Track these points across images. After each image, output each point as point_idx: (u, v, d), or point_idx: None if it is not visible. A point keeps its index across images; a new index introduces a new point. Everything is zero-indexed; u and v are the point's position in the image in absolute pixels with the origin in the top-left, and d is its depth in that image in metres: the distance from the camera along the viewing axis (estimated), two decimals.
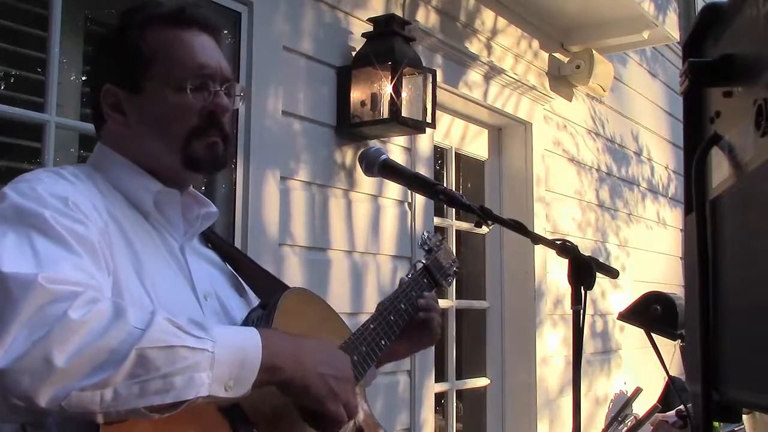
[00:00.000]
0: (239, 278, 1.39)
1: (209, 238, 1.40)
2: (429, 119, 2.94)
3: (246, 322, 1.24)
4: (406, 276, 1.64)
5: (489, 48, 3.86)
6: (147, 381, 0.91)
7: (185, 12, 1.26)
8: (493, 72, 3.74)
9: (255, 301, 1.39)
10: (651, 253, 5.57)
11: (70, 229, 1.02)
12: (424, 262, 1.67)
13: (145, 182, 1.23)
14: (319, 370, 1.11)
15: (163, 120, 1.22)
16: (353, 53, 2.93)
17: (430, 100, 2.95)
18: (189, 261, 1.25)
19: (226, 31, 2.60)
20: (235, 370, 0.99)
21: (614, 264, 4.81)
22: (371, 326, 1.43)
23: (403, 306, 1.52)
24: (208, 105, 1.23)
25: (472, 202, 1.47)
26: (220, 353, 0.97)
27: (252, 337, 1.03)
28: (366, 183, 2.96)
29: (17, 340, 0.88)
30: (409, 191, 3.12)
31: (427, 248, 1.72)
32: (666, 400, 3.39)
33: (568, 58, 4.44)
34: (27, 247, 0.97)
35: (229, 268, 1.39)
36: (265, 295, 1.37)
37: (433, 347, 3.25)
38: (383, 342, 1.43)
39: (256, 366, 1.01)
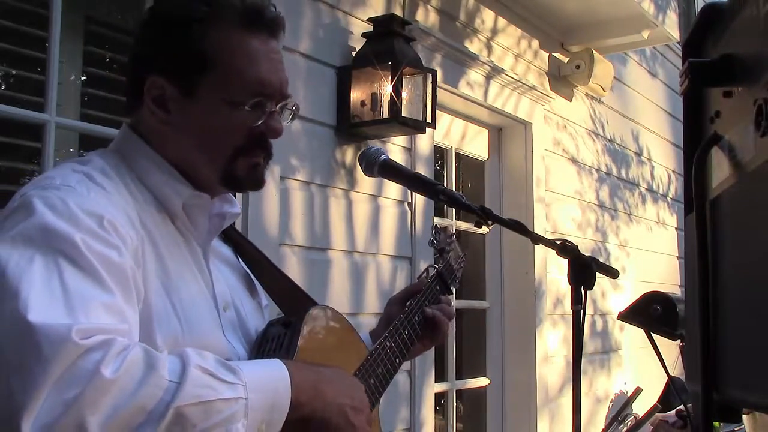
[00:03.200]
0: (251, 276, 1.36)
1: (226, 233, 1.34)
2: (429, 119, 2.94)
3: (264, 337, 1.22)
4: (420, 278, 1.60)
5: (489, 48, 3.86)
6: None
7: (259, 14, 1.17)
8: (493, 72, 3.74)
9: (264, 298, 1.36)
10: (651, 253, 5.57)
11: (102, 256, 0.96)
12: (437, 267, 1.63)
13: (177, 186, 1.16)
14: (338, 401, 1.08)
15: (210, 132, 1.15)
16: (353, 53, 2.93)
17: (430, 100, 2.95)
18: (211, 268, 1.21)
19: None
20: (267, 414, 0.97)
21: (614, 264, 4.81)
22: (387, 344, 1.40)
23: (416, 318, 1.50)
24: (260, 126, 1.16)
25: (472, 202, 1.47)
26: (254, 399, 0.95)
27: (281, 376, 1.01)
28: (366, 183, 2.96)
29: (47, 403, 0.82)
30: (409, 191, 3.11)
31: (438, 248, 1.67)
32: (666, 400, 3.38)
33: (568, 58, 4.44)
34: (56, 281, 0.90)
35: (242, 265, 1.35)
36: (276, 294, 1.36)
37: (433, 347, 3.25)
38: (398, 360, 1.41)
39: (287, 406, 0.99)
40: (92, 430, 0.83)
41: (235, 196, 1.32)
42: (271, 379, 0.99)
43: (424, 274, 1.62)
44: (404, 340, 1.44)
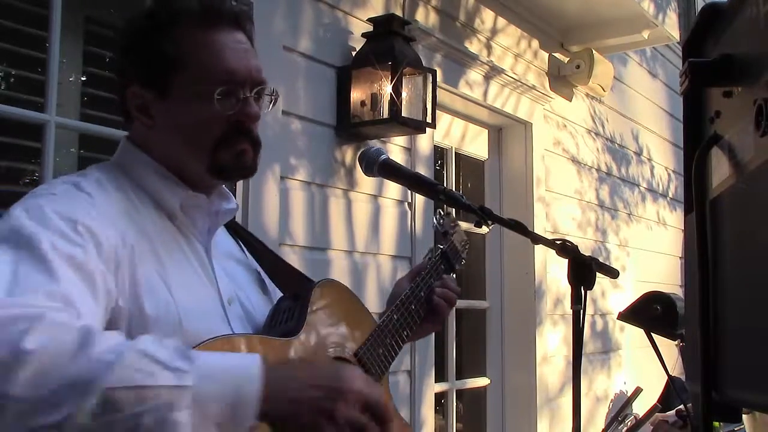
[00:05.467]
0: (260, 271, 1.40)
1: (232, 227, 1.40)
2: (429, 119, 2.94)
3: (276, 311, 1.27)
4: (426, 258, 1.66)
5: (489, 48, 3.86)
6: (114, 422, 0.83)
7: (217, 9, 1.22)
8: (493, 72, 3.74)
9: (275, 293, 1.39)
10: (651, 253, 5.57)
11: (64, 254, 0.99)
12: (442, 247, 1.69)
13: (173, 187, 1.22)
14: (308, 395, 0.94)
15: (189, 128, 1.20)
16: (353, 53, 2.93)
17: (430, 100, 2.95)
18: (214, 264, 1.24)
19: None
20: (228, 408, 0.87)
21: (614, 264, 4.81)
22: (395, 317, 1.46)
23: (423, 294, 1.56)
24: (236, 113, 1.20)
25: (472, 202, 1.47)
26: (206, 389, 0.86)
27: (246, 368, 0.92)
28: (366, 183, 2.96)
29: None
30: (409, 191, 3.12)
31: (442, 231, 1.73)
32: (666, 400, 3.39)
33: (568, 58, 4.44)
34: (9, 271, 0.94)
35: (250, 261, 1.39)
36: (285, 285, 1.39)
37: (433, 347, 3.25)
38: (405, 333, 1.48)
39: (254, 402, 0.89)
40: (10, 399, 0.81)
41: (234, 193, 1.33)
42: (234, 371, 0.91)
43: (429, 255, 1.67)
44: (411, 313, 1.51)
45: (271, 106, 1.30)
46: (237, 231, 1.41)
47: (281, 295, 1.39)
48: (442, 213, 1.77)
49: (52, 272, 0.96)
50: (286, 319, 1.24)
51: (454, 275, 1.71)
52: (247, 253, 1.41)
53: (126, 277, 1.08)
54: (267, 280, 1.40)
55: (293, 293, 1.31)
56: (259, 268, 1.40)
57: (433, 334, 2.91)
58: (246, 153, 1.23)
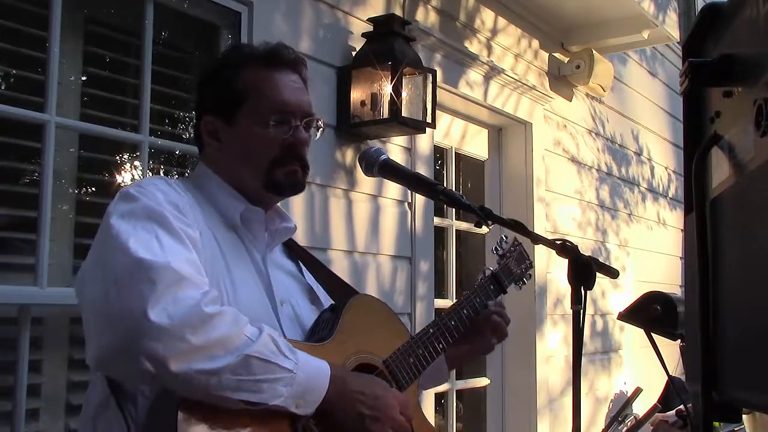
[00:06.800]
0: (313, 287, 1.58)
1: (290, 247, 1.60)
2: (429, 119, 2.94)
3: (317, 322, 1.46)
4: (476, 280, 1.74)
5: (489, 48, 3.86)
6: (244, 380, 1.16)
7: (276, 54, 1.47)
8: (493, 72, 3.74)
9: (326, 304, 1.55)
10: (651, 253, 5.57)
11: (183, 229, 1.26)
12: (492, 269, 1.76)
13: (234, 201, 1.45)
14: (358, 409, 1.30)
15: (249, 150, 1.44)
16: (353, 53, 2.93)
17: (430, 99, 2.95)
18: (270, 271, 1.45)
19: (226, 31, 2.59)
20: (306, 393, 1.23)
21: (614, 264, 4.81)
22: (431, 330, 1.56)
23: (465, 312, 1.64)
24: (288, 138, 1.43)
25: (472, 202, 1.48)
26: (300, 376, 1.22)
27: (324, 371, 1.27)
28: (366, 183, 2.96)
29: (158, 315, 1.11)
30: (409, 191, 3.12)
31: (499, 254, 1.80)
32: (666, 400, 3.38)
33: (568, 58, 4.44)
34: (154, 240, 1.21)
35: (304, 277, 1.58)
36: (337, 297, 1.55)
37: None
38: (440, 345, 1.56)
39: (322, 394, 1.25)
40: (190, 344, 1.12)
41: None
42: (316, 369, 1.26)
43: (480, 275, 1.75)
44: (449, 328, 1.59)
45: (319, 134, 1.52)
46: (295, 250, 1.61)
47: (324, 294, 1.58)
48: (505, 237, 1.82)
49: (185, 244, 1.24)
50: (322, 328, 1.42)
51: (504, 294, 1.79)
52: (303, 270, 1.59)
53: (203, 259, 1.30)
54: (321, 294, 1.58)
55: (332, 306, 1.49)
56: (315, 284, 1.59)
57: None
58: (296, 173, 1.46)
